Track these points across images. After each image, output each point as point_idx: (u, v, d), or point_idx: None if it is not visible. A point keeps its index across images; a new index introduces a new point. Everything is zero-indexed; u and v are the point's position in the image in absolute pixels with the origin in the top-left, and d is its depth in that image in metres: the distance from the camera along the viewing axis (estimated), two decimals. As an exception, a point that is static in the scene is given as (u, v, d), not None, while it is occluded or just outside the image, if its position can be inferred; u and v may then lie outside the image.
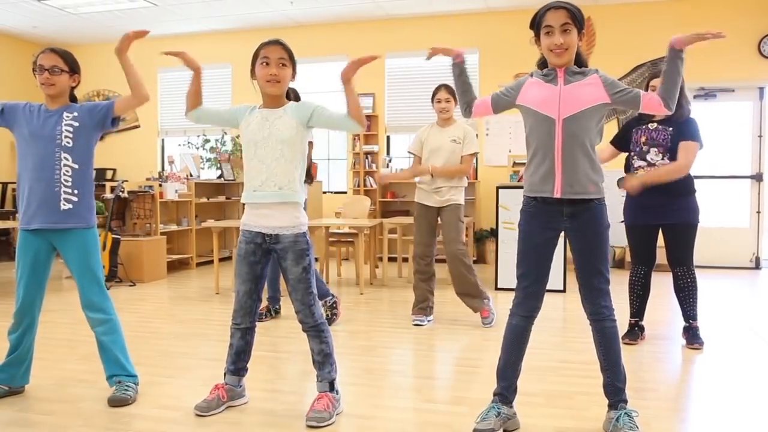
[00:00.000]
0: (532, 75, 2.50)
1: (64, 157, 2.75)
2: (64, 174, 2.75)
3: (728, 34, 2.22)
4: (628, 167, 3.78)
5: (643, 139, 3.66)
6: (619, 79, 7.54)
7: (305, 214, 2.70)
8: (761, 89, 7.18)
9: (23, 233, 2.79)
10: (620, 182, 3.91)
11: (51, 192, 2.73)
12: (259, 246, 2.62)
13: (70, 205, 2.76)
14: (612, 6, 7.43)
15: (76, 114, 2.82)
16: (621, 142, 3.84)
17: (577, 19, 2.34)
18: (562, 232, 2.46)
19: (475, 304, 4.28)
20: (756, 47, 7.02)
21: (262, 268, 2.66)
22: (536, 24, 2.40)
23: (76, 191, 2.77)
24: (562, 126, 2.32)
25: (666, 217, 3.63)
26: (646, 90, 3.72)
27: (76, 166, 2.79)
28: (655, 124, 3.65)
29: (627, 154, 3.81)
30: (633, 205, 3.75)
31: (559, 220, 2.39)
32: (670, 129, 3.59)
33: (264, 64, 2.59)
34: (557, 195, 2.34)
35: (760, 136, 7.21)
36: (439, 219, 4.37)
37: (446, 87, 4.33)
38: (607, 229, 2.41)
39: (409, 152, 4.56)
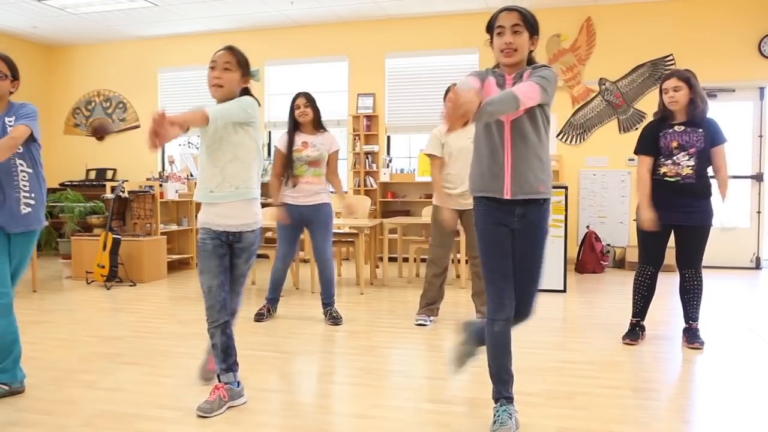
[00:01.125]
0: (489, 73, 2.47)
1: (20, 163, 2.84)
2: (22, 179, 2.84)
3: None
4: (653, 170, 3.70)
5: (674, 144, 3.61)
6: (620, 79, 7.60)
7: (260, 209, 2.80)
8: (762, 89, 7.18)
9: None
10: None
11: (12, 197, 2.81)
12: (224, 241, 2.71)
13: (30, 209, 2.87)
14: (612, 6, 7.43)
15: (13, 118, 2.83)
16: (654, 150, 3.69)
17: (529, 23, 2.34)
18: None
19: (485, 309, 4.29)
20: (756, 47, 7.01)
21: (228, 260, 2.73)
22: (490, 26, 2.42)
23: (32, 194, 2.87)
24: (510, 127, 2.34)
25: (682, 218, 3.60)
26: (660, 93, 3.69)
27: (30, 171, 2.87)
28: (683, 127, 3.61)
29: (656, 158, 3.71)
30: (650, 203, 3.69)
31: (510, 220, 2.39)
32: (700, 130, 3.58)
33: (210, 68, 2.72)
34: (507, 196, 2.34)
35: (761, 136, 7.20)
36: (458, 222, 4.34)
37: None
38: (548, 231, 2.44)
39: (430, 155, 4.31)
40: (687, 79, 3.58)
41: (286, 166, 4.39)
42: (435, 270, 4.33)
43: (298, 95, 4.43)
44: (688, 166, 3.58)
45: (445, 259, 4.33)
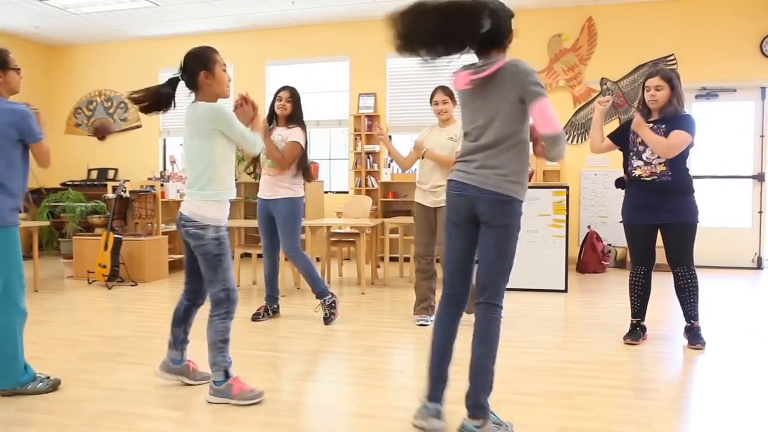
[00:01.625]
0: None
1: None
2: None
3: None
4: (626, 167, 3.80)
5: (639, 139, 3.69)
6: (621, 79, 7.61)
7: (215, 209, 2.79)
8: (763, 89, 7.17)
9: None
10: (618, 182, 3.93)
11: None
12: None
13: None
14: (613, 6, 7.42)
15: None
16: (617, 139, 3.86)
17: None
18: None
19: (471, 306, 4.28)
20: (758, 47, 7.00)
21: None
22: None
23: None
24: None
25: (664, 216, 3.63)
26: (642, 90, 3.77)
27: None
28: (651, 124, 3.66)
29: (625, 154, 3.82)
30: (631, 204, 3.77)
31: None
32: (663, 126, 3.61)
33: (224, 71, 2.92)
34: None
35: (762, 136, 7.19)
36: (436, 220, 4.37)
37: (443, 88, 4.34)
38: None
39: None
40: (670, 79, 3.64)
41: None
42: (418, 265, 4.37)
43: (283, 88, 4.45)
44: (660, 163, 3.60)
45: (427, 255, 4.34)
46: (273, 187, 4.40)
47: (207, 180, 2.74)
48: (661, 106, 3.64)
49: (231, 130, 2.75)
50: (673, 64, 7.19)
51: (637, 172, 3.69)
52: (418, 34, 2.35)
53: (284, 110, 4.38)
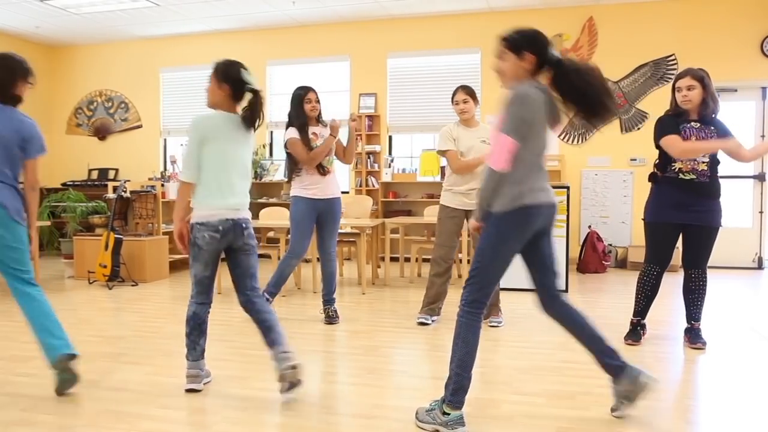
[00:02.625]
0: None
1: None
2: None
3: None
4: (665, 163, 3.65)
5: (693, 138, 3.57)
6: (622, 79, 7.61)
7: (197, 208, 2.92)
8: (764, 89, 7.17)
9: None
10: (651, 177, 3.77)
11: None
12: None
13: None
14: (614, 6, 7.42)
15: None
16: (678, 133, 3.60)
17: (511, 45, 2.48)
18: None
19: (490, 310, 4.30)
20: (758, 47, 7.00)
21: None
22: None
23: None
24: None
25: (693, 218, 3.58)
26: (673, 90, 3.67)
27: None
28: (698, 124, 3.60)
29: (661, 151, 3.67)
30: (661, 201, 3.66)
31: None
32: (713, 128, 3.59)
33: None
34: None
35: (763, 136, 7.19)
36: (466, 222, 4.35)
37: (464, 88, 4.29)
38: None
39: (444, 151, 4.30)
40: (701, 78, 3.58)
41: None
42: (437, 269, 4.32)
43: (309, 90, 4.41)
44: (704, 162, 3.57)
45: (449, 258, 4.33)
46: (333, 185, 4.43)
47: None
48: (696, 106, 3.58)
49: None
50: (674, 64, 7.19)
51: (677, 166, 3.59)
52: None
53: (315, 111, 4.39)
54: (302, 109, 4.36)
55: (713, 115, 3.62)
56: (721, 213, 3.65)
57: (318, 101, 4.41)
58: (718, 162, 3.65)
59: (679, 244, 3.72)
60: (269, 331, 2.87)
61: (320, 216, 4.41)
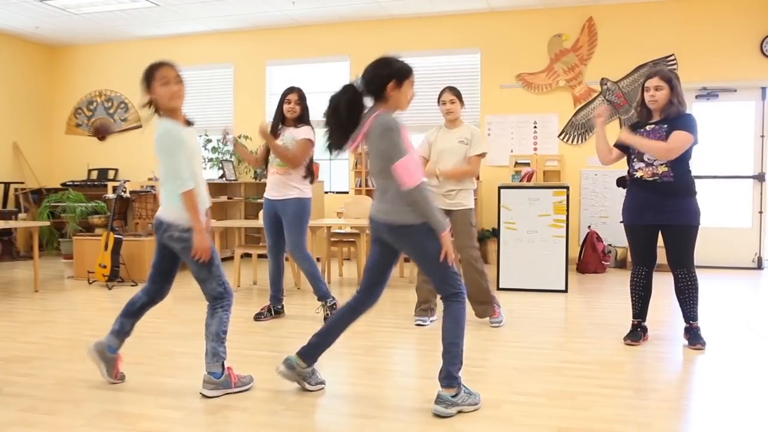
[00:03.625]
0: None
1: None
2: None
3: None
4: (629, 168, 3.78)
5: None
6: (621, 79, 7.60)
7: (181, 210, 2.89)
8: (764, 89, 7.17)
9: None
10: (619, 181, 3.93)
11: None
12: None
13: None
14: (614, 6, 7.42)
15: None
16: (621, 145, 3.80)
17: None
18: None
19: (482, 311, 4.29)
20: (758, 47, 7.00)
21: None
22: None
23: None
24: None
25: (664, 218, 3.61)
26: (641, 91, 3.73)
27: None
28: (653, 125, 3.66)
29: (628, 156, 3.80)
30: (631, 205, 3.75)
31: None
32: (665, 126, 3.60)
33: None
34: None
35: (762, 136, 7.19)
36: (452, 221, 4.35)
37: (450, 89, 4.32)
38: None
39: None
40: (669, 80, 3.64)
41: (265, 156, 4.46)
42: (425, 276, 4.35)
43: (291, 90, 4.39)
44: (662, 164, 3.59)
45: None
46: (282, 187, 4.37)
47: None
48: (662, 107, 3.64)
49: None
50: (673, 64, 7.19)
51: (639, 174, 3.67)
52: None
53: (293, 113, 4.35)
54: (281, 109, 4.38)
55: (676, 114, 3.59)
56: (696, 212, 3.62)
57: (298, 103, 4.34)
58: (682, 159, 3.58)
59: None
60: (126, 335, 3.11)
61: (279, 216, 4.42)
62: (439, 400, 2.60)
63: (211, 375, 2.85)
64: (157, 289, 3.06)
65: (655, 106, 3.65)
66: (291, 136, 4.34)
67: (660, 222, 3.64)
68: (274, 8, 7.69)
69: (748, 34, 7.03)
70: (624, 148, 3.80)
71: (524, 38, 7.67)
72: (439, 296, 2.75)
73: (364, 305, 2.87)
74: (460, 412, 2.60)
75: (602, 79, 7.50)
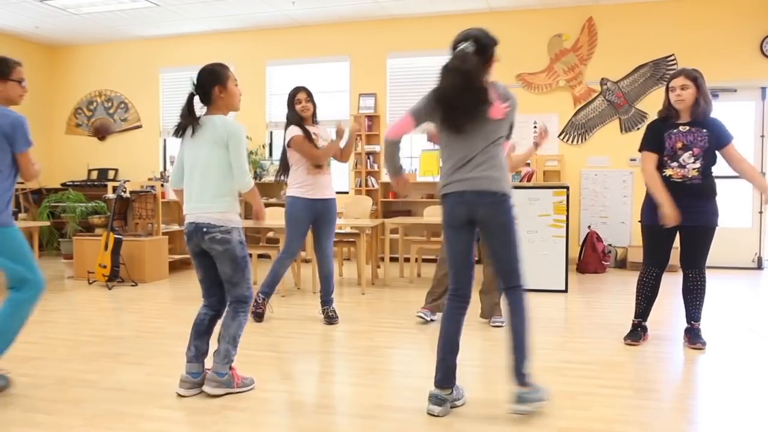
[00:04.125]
0: None
1: None
2: None
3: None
4: (658, 169, 3.65)
5: (679, 144, 3.58)
6: (621, 79, 7.60)
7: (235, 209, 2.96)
8: (763, 89, 7.17)
9: None
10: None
11: None
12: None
13: None
14: (614, 6, 7.42)
15: None
16: (659, 147, 3.65)
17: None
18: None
19: (492, 310, 4.30)
20: (758, 47, 7.00)
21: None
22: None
23: None
24: None
25: (689, 218, 3.56)
26: (666, 90, 3.67)
27: None
28: (687, 127, 3.60)
29: (660, 156, 3.67)
30: (654, 204, 3.63)
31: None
32: (704, 131, 3.56)
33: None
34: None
35: (762, 136, 7.20)
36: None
37: None
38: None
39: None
40: (695, 78, 3.58)
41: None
42: (446, 270, 4.33)
43: (298, 89, 4.41)
44: (694, 168, 3.56)
45: None
46: (328, 186, 4.44)
47: (224, 186, 2.86)
48: (689, 106, 3.58)
49: (236, 153, 2.85)
50: (673, 64, 7.19)
51: (668, 172, 3.60)
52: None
53: (308, 111, 4.37)
54: (294, 109, 4.38)
55: (706, 115, 3.59)
56: (717, 213, 3.63)
57: (308, 100, 4.37)
58: (713, 162, 3.62)
59: (678, 244, 3.72)
60: (205, 355, 2.97)
61: (317, 217, 4.41)
62: (519, 399, 2.57)
63: (216, 374, 2.85)
64: (219, 300, 2.98)
65: (682, 106, 3.59)
66: (323, 135, 4.45)
67: (683, 222, 3.57)
68: (274, 8, 7.69)
69: (748, 34, 7.03)
70: (659, 148, 3.65)
71: (524, 38, 7.67)
72: (504, 287, 2.72)
73: (468, 300, 2.75)
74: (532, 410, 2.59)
75: (602, 79, 7.50)
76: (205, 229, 2.81)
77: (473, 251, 2.71)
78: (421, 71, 8.11)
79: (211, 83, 2.86)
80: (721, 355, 3.58)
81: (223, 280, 2.90)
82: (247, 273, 2.91)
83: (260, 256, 6.28)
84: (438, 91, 2.61)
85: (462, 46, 2.56)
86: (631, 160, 7.38)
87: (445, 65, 2.59)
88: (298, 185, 4.38)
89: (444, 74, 2.58)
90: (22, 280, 2.88)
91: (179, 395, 2.87)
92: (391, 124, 2.61)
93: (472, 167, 2.61)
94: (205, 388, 2.85)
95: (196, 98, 2.89)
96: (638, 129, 7.35)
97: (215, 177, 2.83)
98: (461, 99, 2.55)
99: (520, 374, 2.59)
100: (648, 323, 3.91)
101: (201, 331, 2.95)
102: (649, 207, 3.71)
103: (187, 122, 2.86)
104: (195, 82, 2.89)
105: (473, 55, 2.53)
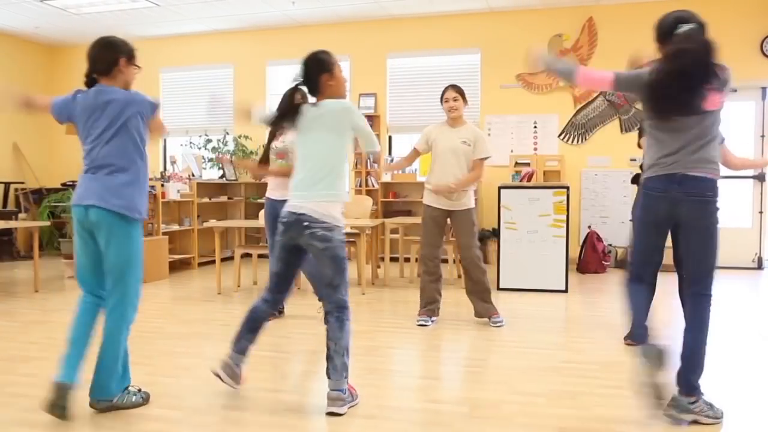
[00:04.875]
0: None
1: None
2: None
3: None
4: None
5: None
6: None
7: (341, 209, 2.87)
8: (763, 89, 7.17)
9: None
10: (635, 179, 3.88)
11: None
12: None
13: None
14: (614, 6, 7.42)
15: None
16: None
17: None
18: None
19: (485, 310, 4.29)
20: (758, 47, 7.00)
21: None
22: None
23: None
24: None
25: None
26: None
27: None
28: None
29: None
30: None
31: None
32: None
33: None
34: None
35: (763, 136, 7.19)
36: (448, 221, 4.37)
37: (454, 87, 4.33)
38: None
39: (415, 148, 4.53)
40: None
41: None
42: (424, 267, 4.37)
43: (295, 89, 4.39)
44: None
45: (434, 257, 4.36)
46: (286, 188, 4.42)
47: (336, 178, 2.74)
48: None
49: (360, 123, 2.84)
50: (674, 64, 7.18)
51: None
52: None
53: None
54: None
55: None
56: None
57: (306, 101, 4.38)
58: None
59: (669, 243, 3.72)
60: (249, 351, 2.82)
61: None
62: (673, 403, 2.54)
63: (340, 392, 2.64)
64: (281, 298, 2.87)
65: None
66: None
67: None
68: (274, 8, 7.69)
69: (748, 34, 7.03)
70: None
71: (524, 38, 7.66)
72: (690, 293, 2.82)
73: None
74: (695, 422, 2.51)
75: (602, 79, 7.49)
76: (306, 223, 2.65)
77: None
78: (421, 71, 8.10)
79: (318, 72, 2.79)
80: (721, 354, 3.58)
81: (321, 285, 2.75)
82: (347, 276, 2.74)
83: (260, 256, 6.28)
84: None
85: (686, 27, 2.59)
86: (632, 160, 7.38)
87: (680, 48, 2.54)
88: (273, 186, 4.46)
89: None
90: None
91: (215, 374, 2.77)
92: (592, 71, 2.70)
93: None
94: (333, 409, 2.62)
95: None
96: (638, 129, 7.34)
97: (328, 167, 2.72)
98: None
99: (690, 385, 2.58)
100: (648, 323, 3.90)
101: (256, 327, 2.79)
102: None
103: (291, 115, 2.82)
104: (299, 75, 2.81)
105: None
